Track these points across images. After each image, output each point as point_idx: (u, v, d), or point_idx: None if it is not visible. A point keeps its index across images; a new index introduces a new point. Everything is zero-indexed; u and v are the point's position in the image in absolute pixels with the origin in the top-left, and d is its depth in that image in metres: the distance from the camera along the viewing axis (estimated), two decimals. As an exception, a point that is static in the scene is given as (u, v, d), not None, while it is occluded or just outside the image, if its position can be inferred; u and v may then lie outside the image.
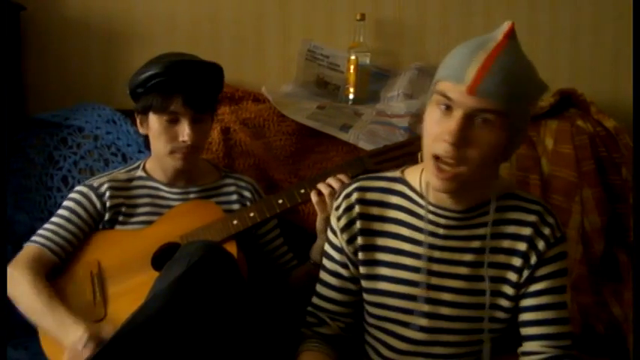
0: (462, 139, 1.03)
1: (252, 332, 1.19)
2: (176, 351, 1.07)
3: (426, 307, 1.17)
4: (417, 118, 1.83)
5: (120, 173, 1.56)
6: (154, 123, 1.45)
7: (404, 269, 1.18)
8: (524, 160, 1.80)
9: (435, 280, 1.17)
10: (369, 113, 1.89)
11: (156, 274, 1.27)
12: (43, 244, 1.42)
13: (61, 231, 1.44)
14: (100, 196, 1.48)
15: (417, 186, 1.20)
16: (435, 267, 1.17)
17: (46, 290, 1.35)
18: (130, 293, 1.36)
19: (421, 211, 1.18)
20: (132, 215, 1.50)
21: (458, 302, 1.17)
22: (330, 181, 1.42)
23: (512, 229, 1.17)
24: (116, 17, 2.01)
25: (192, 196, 1.54)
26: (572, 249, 1.70)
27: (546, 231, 1.16)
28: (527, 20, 2.07)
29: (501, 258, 1.17)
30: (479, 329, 1.19)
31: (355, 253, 1.21)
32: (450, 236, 1.17)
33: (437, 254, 1.17)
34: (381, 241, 1.20)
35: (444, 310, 1.17)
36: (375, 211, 1.21)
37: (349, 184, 1.24)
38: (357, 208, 1.20)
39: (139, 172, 1.56)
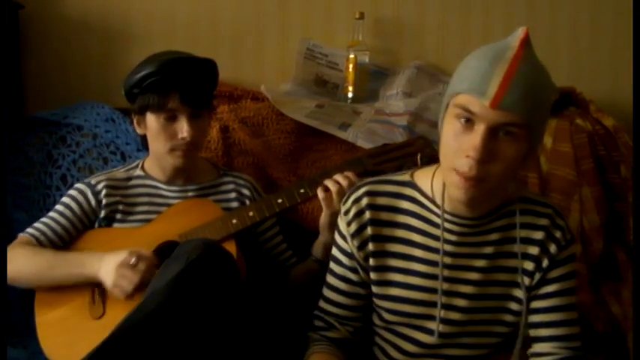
0: (487, 154, 1.01)
1: (250, 331, 1.19)
2: (174, 349, 1.07)
3: (438, 313, 1.17)
4: (416, 116, 1.84)
5: (119, 172, 1.57)
6: (151, 122, 1.45)
7: (416, 275, 1.17)
8: (523, 159, 1.80)
9: (446, 286, 1.16)
10: (367, 112, 1.89)
11: (154, 272, 1.27)
12: (33, 235, 1.44)
13: (53, 224, 1.46)
14: (96, 194, 1.49)
15: (428, 191, 1.17)
16: (447, 273, 1.16)
17: (47, 250, 1.37)
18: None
19: (433, 218, 1.16)
20: (130, 213, 1.50)
21: (469, 307, 1.17)
22: (338, 177, 1.40)
23: (523, 232, 1.16)
24: (115, 16, 2.01)
25: (190, 194, 1.54)
26: (572, 248, 1.71)
27: (557, 234, 1.16)
28: (525, 18, 2.07)
29: (513, 262, 1.17)
30: (489, 332, 1.20)
31: (366, 259, 1.19)
32: (463, 243, 1.16)
33: (448, 260, 1.16)
34: (392, 247, 1.19)
35: (456, 315, 1.17)
36: (385, 216, 1.19)
37: (357, 188, 1.21)
38: (367, 214, 1.18)
39: (138, 171, 1.56)
